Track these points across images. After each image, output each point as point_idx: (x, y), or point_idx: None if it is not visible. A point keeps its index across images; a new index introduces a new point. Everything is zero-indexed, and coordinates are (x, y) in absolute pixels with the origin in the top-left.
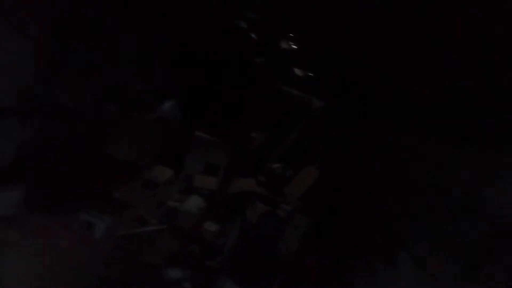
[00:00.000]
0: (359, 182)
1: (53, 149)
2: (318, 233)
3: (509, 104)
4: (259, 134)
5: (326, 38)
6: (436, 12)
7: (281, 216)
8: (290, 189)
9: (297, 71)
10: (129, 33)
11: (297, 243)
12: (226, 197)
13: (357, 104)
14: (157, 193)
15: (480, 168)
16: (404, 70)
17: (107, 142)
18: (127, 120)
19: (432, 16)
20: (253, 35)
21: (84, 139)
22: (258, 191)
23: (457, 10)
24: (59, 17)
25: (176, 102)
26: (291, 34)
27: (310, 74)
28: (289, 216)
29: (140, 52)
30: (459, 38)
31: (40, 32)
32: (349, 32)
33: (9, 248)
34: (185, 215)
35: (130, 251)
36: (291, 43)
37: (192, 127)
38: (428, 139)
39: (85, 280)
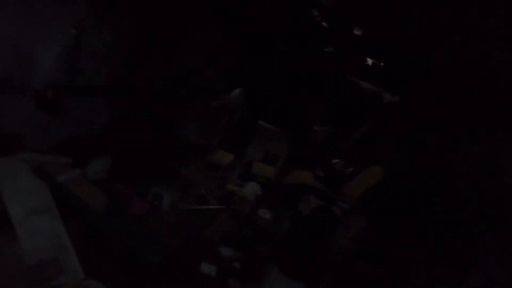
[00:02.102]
0: (430, 188)
1: (135, 126)
2: (376, 238)
3: None
4: (322, 128)
5: (398, 20)
6: None
7: (335, 214)
8: (350, 187)
9: (369, 61)
10: (204, 23)
11: (350, 244)
12: (282, 187)
13: (437, 99)
14: (218, 175)
15: None
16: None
17: (179, 124)
18: (197, 104)
19: None
20: (324, 23)
21: (160, 119)
22: (315, 185)
23: None
24: (144, 13)
25: (243, 91)
26: (363, 20)
27: (382, 64)
28: (344, 215)
29: (213, 41)
30: None
31: (128, 25)
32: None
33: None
34: (242, 200)
35: (191, 224)
36: (362, 30)
37: (257, 116)
38: None
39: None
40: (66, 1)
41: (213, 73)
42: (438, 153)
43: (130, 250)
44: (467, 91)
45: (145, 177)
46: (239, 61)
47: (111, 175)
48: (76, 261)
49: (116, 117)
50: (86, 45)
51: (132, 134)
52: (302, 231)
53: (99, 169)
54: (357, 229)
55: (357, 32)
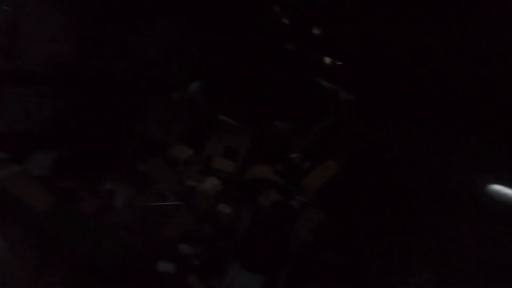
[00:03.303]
0: (384, 182)
1: (86, 118)
2: (333, 229)
3: None
4: (283, 124)
5: (357, 22)
6: None
7: (294, 207)
8: (307, 182)
9: (327, 60)
10: (163, 14)
11: (309, 236)
12: (242, 182)
13: (390, 99)
14: (177, 171)
15: None
16: (448, 61)
17: (135, 117)
18: (155, 97)
19: None
20: (284, 20)
21: (114, 112)
22: (274, 180)
23: None
24: None
25: (203, 84)
26: (323, 18)
27: (339, 63)
28: (303, 208)
29: (172, 32)
30: None
31: (78, 9)
32: (381, 16)
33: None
34: (202, 195)
35: (148, 222)
36: (321, 28)
37: (217, 110)
38: (472, 141)
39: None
40: None
41: (173, 65)
42: (388, 146)
43: (81, 254)
44: (421, 90)
45: (96, 173)
46: (200, 54)
47: (56, 171)
48: (16, 271)
49: (63, 109)
50: (29, 27)
51: (82, 127)
52: (262, 225)
53: (42, 165)
54: (316, 221)
55: (316, 31)
